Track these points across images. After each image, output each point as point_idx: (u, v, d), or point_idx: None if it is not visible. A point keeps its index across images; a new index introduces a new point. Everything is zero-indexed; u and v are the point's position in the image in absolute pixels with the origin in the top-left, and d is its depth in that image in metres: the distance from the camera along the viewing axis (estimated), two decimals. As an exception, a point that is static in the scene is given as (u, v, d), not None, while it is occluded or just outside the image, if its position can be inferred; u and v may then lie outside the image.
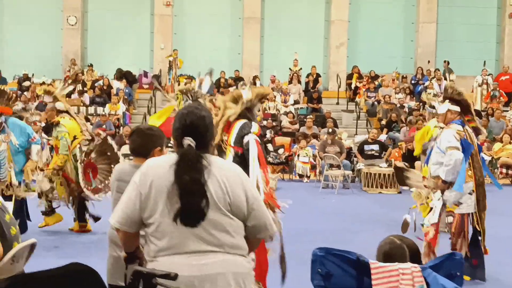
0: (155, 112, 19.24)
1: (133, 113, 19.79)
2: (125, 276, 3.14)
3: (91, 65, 21.75)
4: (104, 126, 16.02)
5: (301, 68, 21.44)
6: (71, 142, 8.20)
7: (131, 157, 13.32)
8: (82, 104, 19.31)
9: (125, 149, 15.16)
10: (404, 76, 21.35)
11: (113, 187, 3.90)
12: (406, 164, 14.03)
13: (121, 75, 21.09)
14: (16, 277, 2.59)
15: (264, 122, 18.32)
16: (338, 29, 22.17)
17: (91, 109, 19.11)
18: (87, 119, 17.40)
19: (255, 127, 4.84)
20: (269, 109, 19.67)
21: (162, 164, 2.90)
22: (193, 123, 2.92)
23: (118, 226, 2.92)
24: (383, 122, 18.19)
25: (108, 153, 8.56)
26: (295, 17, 22.22)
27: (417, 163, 13.73)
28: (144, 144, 3.84)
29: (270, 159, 15.07)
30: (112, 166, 8.47)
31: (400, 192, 13.15)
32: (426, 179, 6.47)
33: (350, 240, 7.96)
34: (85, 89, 20.33)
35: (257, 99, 5.07)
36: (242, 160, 4.73)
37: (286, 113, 18.99)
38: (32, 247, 4.08)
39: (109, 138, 8.94)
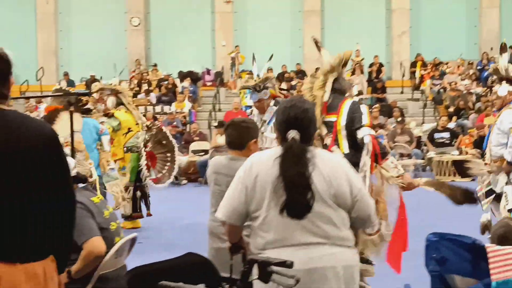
0: (219, 109, 19.49)
1: (198, 110, 20.04)
2: (231, 266, 3.24)
3: (155, 65, 22.13)
4: (174, 123, 16.30)
5: (363, 59, 21.23)
6: (126, 134, 8.36)
7: (200, 153, 13.69)
8: (149, 103, 19.71)
9: (194, 146, 15.46)
10: (470, 62, 20.88)
11: (211, 179, 4.01)
12: (479, 151, 13.78)
13: (184, 75, 21.43)
14: (136, 269, 2.71)
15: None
16: (400, 18, 21.86)
17: (158, 108, 19.47)
18: (154, 118, 17.81)
19: (365, 117, 4.67)
20: (333, 101, 19.60)
21: (266, 158, 2.96)
22: (297, 116, 2.95)
23: (225, 220, 3.00)
24: (451, 109, 17.85)
25: (164, 142, 8.71)
26: (355, 8, 22.02)
27: (490, 150, 13.48)
28: (240, 136, 3.93)
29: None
30: (168, 155, 8.63)
31: (473, 179, 12.86)
32: (489, 165, 6.25)
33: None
34: (150, 88, 20.73)
35: (341, 65, 4.98)
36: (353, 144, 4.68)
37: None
38: (133, 241, 4.26)
39: (163, 127, 9.11)
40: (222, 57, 22.21)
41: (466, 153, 13.58)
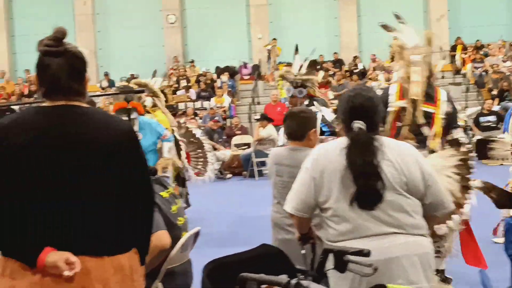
0: (258, 102, 19.49)
1: (237, 104, 20.09)
2: (304, 256, 3.24)
3: (193, 61, 22.26)
4: (216, 118, 16.37)
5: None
6: None
7: (243, 147, 13.72)
8: (188, 100, 19.83)
9: (236, 139, 15.50)
10: (511, 43, 20.45)
11: (272, 171, 4.01)
12: (527, 134, 13.51)
13: (222, 70, 21.49)
14: (214, 261, 2.73)
15: (370, 103, 18.11)
16: (438, 1, 21.53)
17: (198, 104, 19.58)
18: (195, 114, 17.91)
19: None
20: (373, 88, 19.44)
21: (333, 149, 2.93)
22: (362, 104, 2.91)
23: (294, 212, 2.98)
24: (494, 92, 17.53)
25: (192, 140, 8.77)
26: (391, -7, 21.75)
27: (538, 132, 13.18)
28: (300, 127, 3.92)
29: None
30: (199, 151, 8.68)
31: (502, 164, 12.63)
32: None
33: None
34: (189, 84, 20.86)
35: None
36: None
37: (391, 92, 18.67)
38: (196, 235, 4.28)
39: (188, 125, 9.16)
40: (258, 50, 22.21)
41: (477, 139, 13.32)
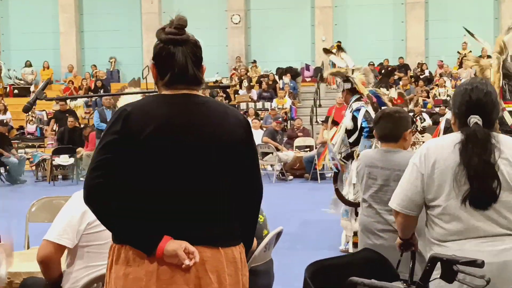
0: (319, 105, 19.32)
1: (298, 106, 19.96)
2: (398, 262, 3.08)
3: (255, 62, 22.25)
4: (280, 119, 16.27)
5: (470, 51, 20.40)
6: None
7: (305, 149, 13.51)
8: (250, 100, 19.82)
9: (298, 141, 15.37)
10: None
11: (362, 173, 3.85)
12: None
13: (283, 71, 21.41)
14: (315, 263, 2.62)
15: (436, 109, 17.73)
16: (510, 7, 20.88)
17: (259, 104, 19.55)
18: (256, 114, 17.87)
19: None
20: (439, 95, 19.00)
21: (445, 145, 2.75)
22: (479, 99, 2.73)
23: (399, 209, 2.82)
24: None
25: None
26: (461, -2, 21.28)
27: None
28: (396, 128, 3.76)
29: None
30: None
31: None
32: None
33: None
34: (251, 84, 20.86)
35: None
36: None
37: (458, 99, 18.19)
38: (279, 234, 4.18)
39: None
40: (321, 52, 21.94)
41: None
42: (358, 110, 6.46)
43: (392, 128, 3.77)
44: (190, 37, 2.35)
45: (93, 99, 19.59)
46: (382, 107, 6.32)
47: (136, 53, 22.91)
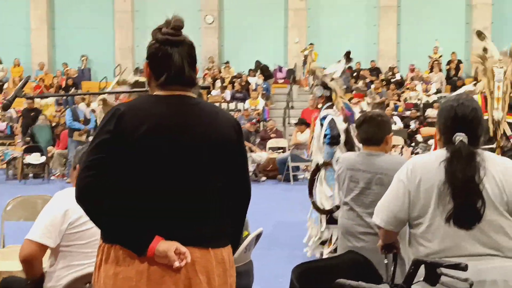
0: (292, 107, 19.39)
1: (270, 107, 20.00)
2: (386, 266, 3.10)
3: (228, 62, 22.23)
4: (254, 120, 16.29)
5: (441, 56, 20.74)
6: None
7: (278, 150, 13.52)
8: (223, 100, 19.79)
9: (271, 143, 15.40)
10: (555, 59, 20.08)
11: (343, 176, 3.88)
12: None
13: (258, 67, 21.41)
14: (302, 265, 2.64)
15: (407, 113, 17.92)
16: (481, 13, 21.21)
17: (232, 105, 19.54)
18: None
19: None
20: (410, 98, 19.21)
21: (431, 161, 2.73)
22: (465, 116, 2.71)
23: (383, 226, 2.81)
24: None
25: None
26: (434, 3, 21.51)
27: None
28: (379, 131, 3.80)
29: (419, 151, 14.69)
30: None
31: None
32: None
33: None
34: (224, 85, 20.84)
35: None
36: None
37: (429, 103, 18.43)
38: (258, 236, 4.20)
39: None
40: (294, 54, 22.09)
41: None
42: (324, 118, 6.54)
43: (375, 131, 3.80)
44: (186, 38, 2.36)
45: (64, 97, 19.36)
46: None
47: (108, 51, 22.71)
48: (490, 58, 4.67)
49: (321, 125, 6.53)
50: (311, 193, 6.77)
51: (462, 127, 2.70)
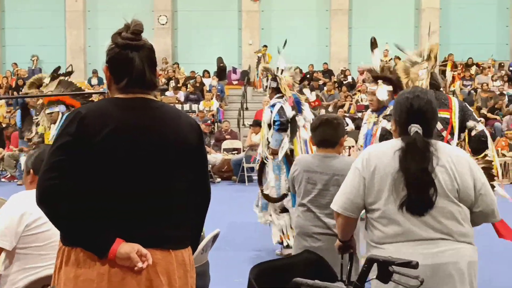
0: (246, 108, 19.47)
1: (225, 109, 20.04)
2: (342, 265, 3.19)
3: (177, 63, 22.17)
4: (208, 122, 16.29)
5: (391, 59, 21.11)
6: None
7: (232, 152, 13.58)
8: (177, 101, 19.72)
9: (226, 144, 15.44)
10: (502, 64, 20.69)
11: (300, 178, 3.95)
12: (517, 153, 13.65)
13: (220, 67, 21.38)
14: (260, 265, 2.69)
15: (359, 114, 18.22)
16: (429, 17, 21.67)
17: (186, 106, 19.49)
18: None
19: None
20: (362, 100, 19.51)
21: (386, 151, 2.85)
22: (420, 107, 2.83)
23: (341, 212, 2.89)
24: (483, 111, 17.70)
25: None
26: (384, 7, 21.95)
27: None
28: (336, 134, 3.90)
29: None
30: None
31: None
32: None
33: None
34: (178, 85, 20.77)
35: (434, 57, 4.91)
36: None
37: (380, 104, 18.75)
38: (215, 237, 4.25)
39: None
40: (248, 56, 22.20)
41: (504, 155, 13.47)
42: (273, 105, 6.70)
43: (331, 134, 3.90)
44: (146, 42, 2.38)
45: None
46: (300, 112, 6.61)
47: (59, 51, 22.36)
48: (413, 67, 4.93)
49: (271, 112, 6.69)
50: (260, 182, 6.93)
51: (417, 118, 2.82)
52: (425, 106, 2.85)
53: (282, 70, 6.95)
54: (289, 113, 6.61)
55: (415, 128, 2.79)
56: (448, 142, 4.71)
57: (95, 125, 2.23)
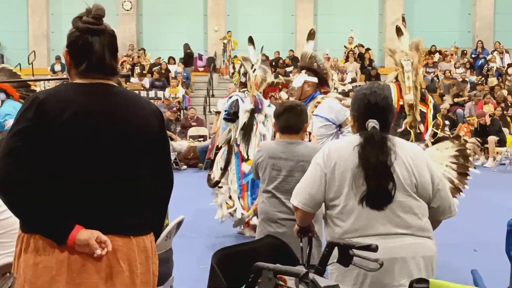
0: (213, 95, 19.42)
1: (191, 96, 19.96)
2: (302, 249, 3.23)
3: (144, 50, 21.98)
4: (174, 109, 16.21)
5: (356, 46, 21.29)
6: None
7: (199, 139, 13.60)
8: (142, 88, 19.56)
9: (192, 131, 15.41)
10: (465, 52, 21.00)
11: (265, 164, 3.96)
12: (479, 139, 13.91)
13: (186, 52, 21.23)
14: (222, 250, 2.71)
15: (324, 101, 18.33)
16: (394, 5, 21.91)
17: (151, 93, 19.34)
18: (149, 103, 17.63)
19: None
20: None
21: (345, 146, 2.89)
22: (377, 103, 2.88)
23: (301, 207, 2.94)
24: (445, 97, 17.99)
25: None
26: (348, -6, 22.07)
27: (490, 138, 13.59)
28: (300, 120, 3.92)
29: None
30: None
31: (475, 168, 13.06)
32: None
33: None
34: (144, 72, 20.60)
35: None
36: None
37: (345, 92, 18.90)
38: (180, 224, 4.25)
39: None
40: (214, 42, 22.10)
41: (466, 141, 13.72)
42: (231, 97, 6.81)
43: (295, 121, 3.91)
44: (107, 27, 2.36)
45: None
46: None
47: (21, 37, 21.94)
48: (399, 52, 5.02)
49: (227, 102, 6.85)
50: (211, 167, 7.21)
51: (374, 114, 2.87)
52: (382, 101, 2.90)
53: (255, 69, 6.95)
54: (244, 107, 6.64)
55: (372, 123, 2.84)
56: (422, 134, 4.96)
57: (54, 110, 2.21)
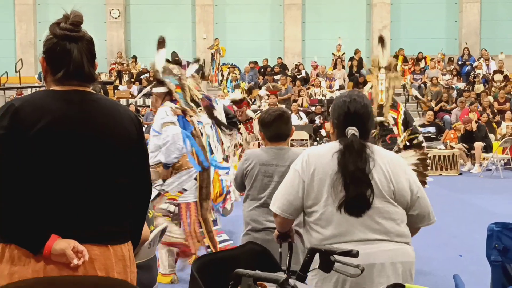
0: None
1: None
2: (280, 254, 3.23)
3: (135, 57, 21.95)
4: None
5: (344, 53, 21.37)
6: None
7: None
8: (130, 96, 19.53)
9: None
10: (451, 58, 21.14)
11: (255, 172, 3.94)
12: (465, 145, 13.98)
13: (174, 59, 21.18)
14: (203, 257, 2.70)
15: (312, 108, 18.37)
16: (381, 12, 22.06)
17: (140, 101, 19.30)
18: (137, 111, 17.63)
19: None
20: (315, 94, 19.69)
21: (324, 153, 2.89)
22: (357, 111, 2.89)
23: (279, 213, 2.93)
24: (433, 104, 18.07)
25: None
26: (336, 2, 22.18)
27: (476, 144, 13.65)
28: (287, 127, 3.96)
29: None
30: None
31: (460, 174, 13.11)
32: None
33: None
34: (132, 80, 20.56)
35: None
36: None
37: (333, 99, 18.92)
38: (163, 231, 4.23)
39: None
40: (202, 50, 22.10)
41: (452, 147, 13.77)
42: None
43: (285, 128, 3.95)
44: (86, 34, 2.33)
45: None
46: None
47: (8, 45, 21.88)
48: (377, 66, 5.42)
49: None
50: None
51: (354, 121, 2.87)
52: (361, 109, 2.91)
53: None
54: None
55: (352, 130, 2.85)
56: (396, 137, 5.15)
57: (30, 117, 2.17)
